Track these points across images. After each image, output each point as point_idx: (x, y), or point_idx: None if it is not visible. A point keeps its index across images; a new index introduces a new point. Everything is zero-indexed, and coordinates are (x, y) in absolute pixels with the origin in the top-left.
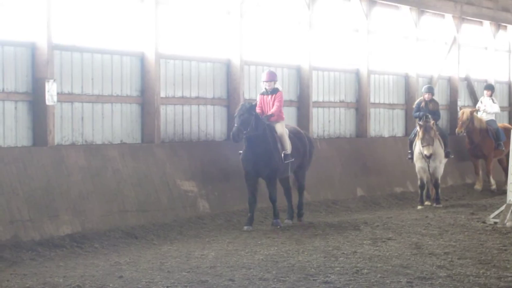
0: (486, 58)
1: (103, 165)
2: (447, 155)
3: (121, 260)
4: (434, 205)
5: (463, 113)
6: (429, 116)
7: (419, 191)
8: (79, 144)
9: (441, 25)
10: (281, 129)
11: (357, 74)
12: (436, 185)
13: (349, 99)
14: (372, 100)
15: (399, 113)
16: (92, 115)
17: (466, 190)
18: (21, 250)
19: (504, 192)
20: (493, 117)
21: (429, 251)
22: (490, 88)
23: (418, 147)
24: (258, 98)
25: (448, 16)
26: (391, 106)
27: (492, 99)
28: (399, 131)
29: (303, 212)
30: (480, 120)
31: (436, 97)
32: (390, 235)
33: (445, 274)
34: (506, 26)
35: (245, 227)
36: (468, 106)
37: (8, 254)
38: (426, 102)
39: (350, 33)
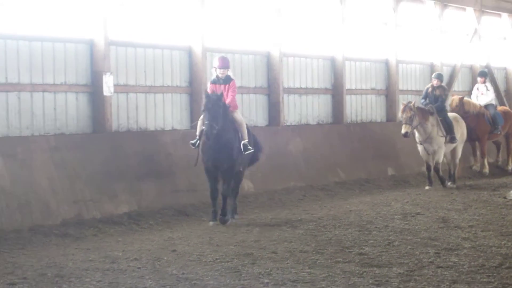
0: (504, 47)
1: (156, 149)
2: (452, 140)
3: (174, 236)
4: (449, 184)
5: (453, 100)
6: (433, 107)
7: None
8: (134, 131)
9: (463, 17)
10: (239, 117)
11: (386, 63)
12: (436, 169)
13: (379, 87)
14: (400, 88)
15: None
16: (145, 104)
17: (472, 172)
18: (84, 227)
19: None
20: (492, 102)
21: (455, 225)
22: (483, 75)
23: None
24: (209, 86)
25: (469, 9)
26: (418, 92)
27: (486, 86)
28: None
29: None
30: (474, 105)
31: (459, 84)
32: (419, 210)
33: (469, 245)
34: None
35: (211, 223)
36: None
37: (72, 231)
38: (434, 88)
39: (379, 26)
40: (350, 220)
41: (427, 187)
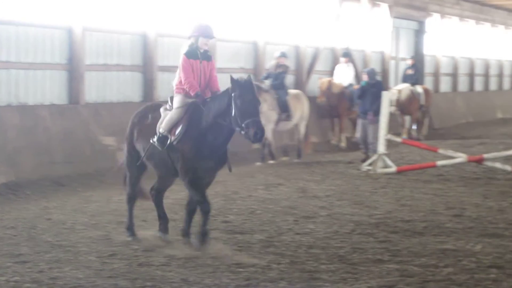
0: (363, 31)
1: (35, 123)
2: (287, 118)
3: (49, 205)
4: (295, 160)
5: (322, 83)
6: (268, 84)
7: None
8: (14, 105)
9: (326, 2)
10: None
11: (255, 44)
12: (266, 144)
13: (248, 66)
14: (267, 67)
15: (291, 78)
16: (26, 80)
17: (330, 146)
18: None
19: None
20: (352, 81)
21: (313, 194)
22: (346, 55)
23: None
24: (182, 60)
25: None
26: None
27: (348, 66)
28: None
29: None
30: (338, 86)
31: (321, 65)
32: (281, 181)
33: (325, 213)
34: (380, 4)
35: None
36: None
37: None
38: (277, 66)
39: (250, 9)
40: (216, 190)
41: (258, 163)
